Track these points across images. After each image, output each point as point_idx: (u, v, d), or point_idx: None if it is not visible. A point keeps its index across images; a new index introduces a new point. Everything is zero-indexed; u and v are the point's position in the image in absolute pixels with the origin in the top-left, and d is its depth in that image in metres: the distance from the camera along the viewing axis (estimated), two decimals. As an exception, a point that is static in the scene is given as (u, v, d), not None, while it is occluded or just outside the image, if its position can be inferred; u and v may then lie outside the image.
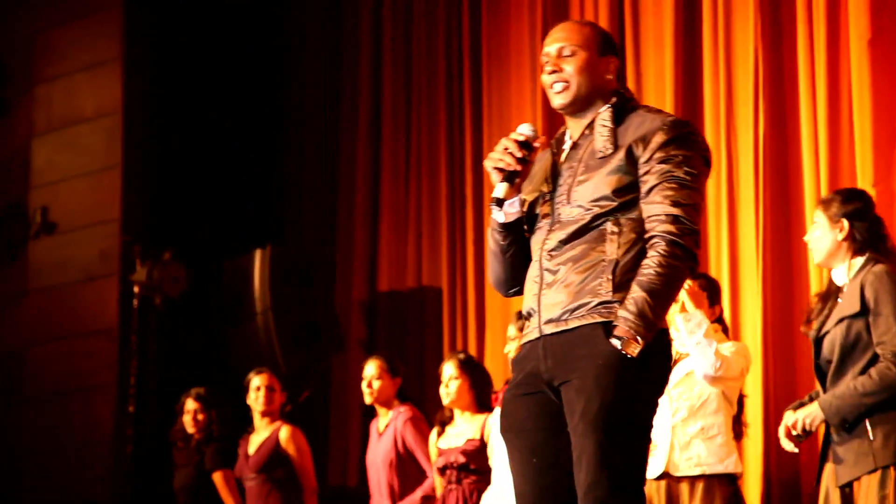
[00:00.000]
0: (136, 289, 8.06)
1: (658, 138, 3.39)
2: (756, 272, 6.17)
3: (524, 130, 3.49)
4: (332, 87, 8.91)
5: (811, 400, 4.59)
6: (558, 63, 3.54)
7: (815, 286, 5.97)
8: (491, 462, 5.74)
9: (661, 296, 3.29)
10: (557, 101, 3.54)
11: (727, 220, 6.39)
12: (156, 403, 8.06)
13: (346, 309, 8.44)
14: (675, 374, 5.09)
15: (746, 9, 6.44)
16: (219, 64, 8.79)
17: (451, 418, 6.14)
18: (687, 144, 3.39)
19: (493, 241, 3.59)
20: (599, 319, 3.33)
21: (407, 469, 6.35)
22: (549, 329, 3.40)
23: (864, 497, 4.31)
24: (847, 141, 5.95)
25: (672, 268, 3.30)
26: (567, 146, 3.55)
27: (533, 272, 3.49)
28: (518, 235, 3.56)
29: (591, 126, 3.51)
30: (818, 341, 4.53)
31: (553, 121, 7.38)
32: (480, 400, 6.02)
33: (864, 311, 4.39)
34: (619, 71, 3.57)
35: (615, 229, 3.39)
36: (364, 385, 6.50)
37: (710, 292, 5.20)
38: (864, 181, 5.79)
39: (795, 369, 6.05)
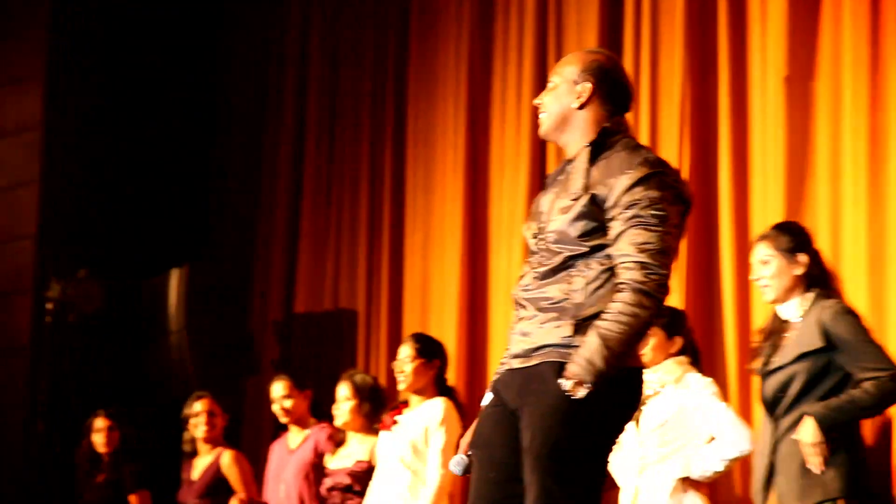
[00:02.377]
0: (49, 306, 7.94)
1: (624, 182, 3.39)
2: (679, 304, 6.18)
3: (455, 468, 3.61)
4: (257, 108, 8.89)
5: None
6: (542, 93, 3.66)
7: (733, 323, 6.03)
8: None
9: (618, 344, 3.30)
10: (540, 129, 3.66)
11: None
12: (66, 423, 7.94)
13: (261, 330, 8.41)
14: (649, 419, 5.06)
15: (672, 42, 6.51)
16: (142, 83, 8.73)
17: (343, 440, 6.16)
18: (653, 185, 3.38)
19: None
20: (557, 360, 3.37)
21: (319, 481, 6.33)
22: (516, 364, 3.48)
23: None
24: (761, 176, 6.02)
25: (634, 316, 3.31)
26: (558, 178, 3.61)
27: (513, 303, 3.57)
28: None
29: (571, 164, 3.56)
30: (767, 375, 4.56)
31: (476, 147, 7.43)
32: (373, 422, 6.03)
33: (827, 347, 4.43)
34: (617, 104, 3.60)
35: (583, 272, 3.42)
36: (276, 407, 6.48)
37: (666, 324, 5.14)
38: (775, 217, 5.87)
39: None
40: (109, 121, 8.59)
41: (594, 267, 3.41)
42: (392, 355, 7.53)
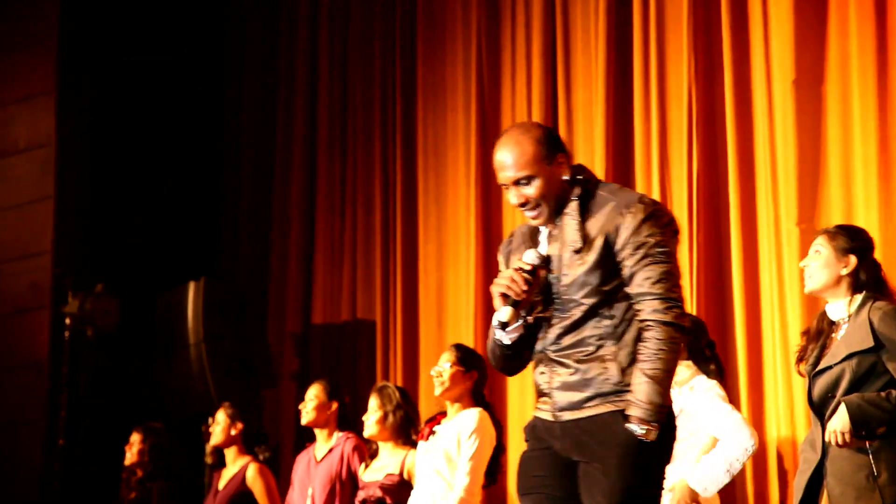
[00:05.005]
0: (67, 321, 7.99)
1: (629, 224, 3.58)
2: (690, 308, 6.20)
3: (530, 259, 3.63)
4: (268, 120, 8.94)
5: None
6: (521, 193, 3.66)
7: (742, 329, 6.06)
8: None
9: (664, 379, 3.52)
10: (537, 223, 3.71)
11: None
12: (86, 437, 8.00)
13: (279, 342, 8.45)
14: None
15: (679, 47, 6.55)
16: (154, 97, 8.78)
17: (377, 452, 6.19)
18: (654, 222, 3.58)
19: (496, 348, 3.75)
20: (613, 409, 3.56)
21: (346, 492, 6.38)
22: (567, 416, 3.63)
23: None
24: (771, 180, 6.05)
25: (669, 351, 3.52)
26: (543, 238, 3.73)
27: (541, 360, 3.71)
28: (521, 347, 3.75)
29: (561, 218, 3.69)
30: (814, 377, 4.56)
31: (487, 156, 7.47)
32: (406, 435, 6.09)
33: (876, 346, 4.40)
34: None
35: (609, 318, 3.61)
36: (306, 407, 6.51)
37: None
38: (788, 220, 5.90)
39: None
40: (122, 135, 8.64)
41: (617, 310, 3.60)
42: (408, 366, 7.62)
